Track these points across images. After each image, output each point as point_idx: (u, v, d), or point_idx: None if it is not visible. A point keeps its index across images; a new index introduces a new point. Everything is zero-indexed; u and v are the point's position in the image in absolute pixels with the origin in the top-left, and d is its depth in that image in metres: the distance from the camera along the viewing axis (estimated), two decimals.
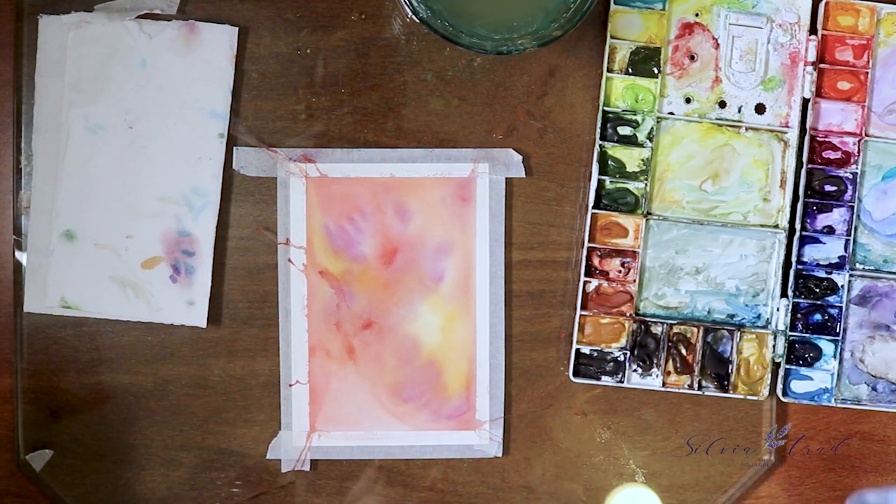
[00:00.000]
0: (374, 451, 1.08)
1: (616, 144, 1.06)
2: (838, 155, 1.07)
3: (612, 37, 1.06)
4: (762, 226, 1.08)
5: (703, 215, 1.08)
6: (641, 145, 1.06)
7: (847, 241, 1.07)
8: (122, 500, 1.08)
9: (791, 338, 1.08)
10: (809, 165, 1.07)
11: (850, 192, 1.07)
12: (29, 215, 1.06)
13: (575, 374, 1.07)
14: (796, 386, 1.08)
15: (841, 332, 1.08)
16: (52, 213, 1.05)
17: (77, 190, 1.05)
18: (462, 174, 1.07)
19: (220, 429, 1.08)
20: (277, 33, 1.07)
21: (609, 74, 1.06)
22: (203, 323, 1.07)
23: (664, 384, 1.08)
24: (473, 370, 1.08)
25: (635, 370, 1.08)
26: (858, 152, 1.07)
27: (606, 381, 1.08)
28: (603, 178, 1.06)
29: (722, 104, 1.07)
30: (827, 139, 1.07)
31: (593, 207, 1.06)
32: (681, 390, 1.08)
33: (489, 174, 1.07)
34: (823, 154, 1.07)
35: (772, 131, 1.07)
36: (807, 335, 1.08)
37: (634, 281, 1.07)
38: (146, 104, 1.05)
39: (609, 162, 1.07)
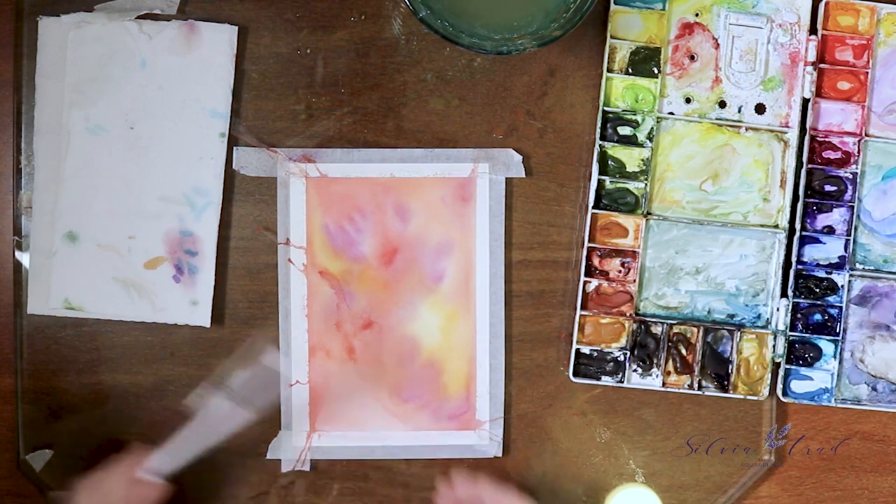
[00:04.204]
0: (374, 451, 1.08)
1: (616, 144, 1.06)
2: (838, 155, 1.07)
3: (612, 37, 1.06)
4: (762, 226, 1.08)
5: (703, 215, 1.08)
6: (641, 145, 1.06)
7: (847, 241, 1.07)
8: None
9: (791, 338, 1.08)
10: (809, 165, 1.07)
11: (850, 192, 1.07)
12: (30, 216, 1.06)
13: (575, 374, 1.08)
14: (796, 386, 1.08)
15: (841, 332, 1.08)
16: (54, 215, 1.05)
17: (79, 191, 1.05)
18: (462, 174, 1.07)
19: None
20: (277, 33, 1.07)
21: (609, 74, 1.06)
22: (207, 322, 1.07)
23: (664, 384, 1.08)
24: (473, 370, 1.08)
25: (635, 370, 1.08)
26: (858, 152, 1.07)
27: (606, 381, 1.08)
28: (603, 178, 1.06)
29: (722, 104, 1.07)
30: (827, 139, 1.07)
31: (593, 207, 1.06)
32: (681, 390, 1.08)
33: (489, 174, 1.07)
34: (823, 154, 1.07)
35: (772, 131, 1.07)
36: (807, 335, 1.08)
37: (634, 281, 1.07)
38: (147, 104, 1.05)
39: (609, 162, 1.07)
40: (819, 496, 1.11)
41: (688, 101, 1.07)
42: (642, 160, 1.07)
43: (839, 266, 1.07)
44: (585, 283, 1.07)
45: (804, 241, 1.07)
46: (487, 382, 1.08)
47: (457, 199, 1.07)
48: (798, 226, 1.07)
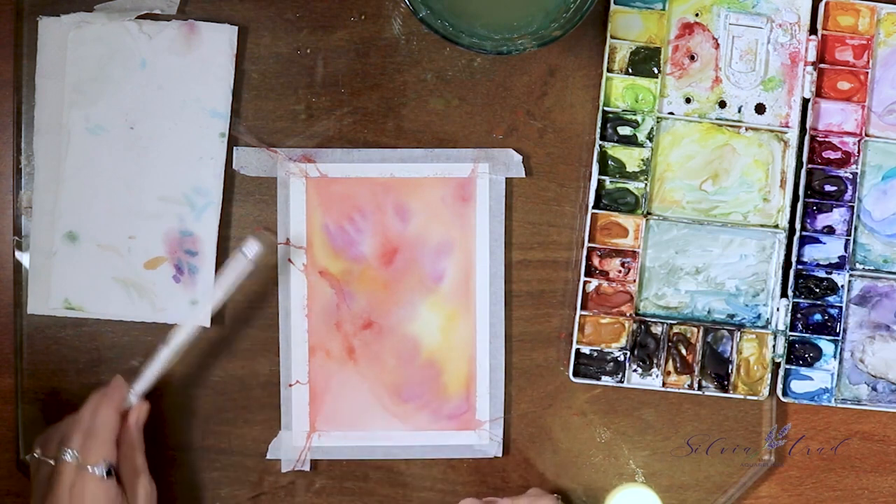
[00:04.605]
0: (374, 451, 1.08)
1: (616, 144, 1.06)
2: (838, 155, 1.07)
3: (612, 37, 1.06)
4: (762, 226, 1.08)
5: (703, 215, 1.08)
6: (641, 145, 1.06)
7: (847, 241, 1.07)
8: None
9: (791, 338, 1.07)
10: (809, 165, 1.07)
11: (850, 192, 1.07)
12: (30, 216, 1.06)
13: (575, 374, 1.07)
14: (796, 386, 1.08)
15: (841, 332, 1.08)
16: (54, 215, 1.05)
17: (79, 191, 1.05)
18: (462, 174, 1.07)
19: (220, 429, 1.08)
20: (277, 33, 1.07)
21: (609, 74, 1.06)
22: (207, 322, 1.07)
23: (664, 384, 1.08)
24: (473, 370, 1.08)
25: (635, 370, 1.08)
26: (858, 152, 1.07)
27: (606, 381, 1.08)
28: (603, 178, 1.06)
29: (722, 104, 1.07)
30: (827, 139, 1.07)
31: (593, 207, 1.06)
32: (681, 390, 1.08)
33: (489, 174, 1.07)
34: (823, 154, 1.07)
35: (772, 131, 1.07)
36: (807, 335, 1.08)
37: (634, 281, 1.07)
38: (147, 104, 1.05)
39: (609, 162, 1.07)
40: (819, 496, 1.11)
41: (688, 101, 1.07)
42: (642, 160, 1.07)
43: (839, 266, 1.07)
44: (585, 283, 1.07)
45: (804, 241, 1.07)
46: (487, 382, 1.08)
47: (457, 199, 1.07)
48: (798, 226, 1.07)
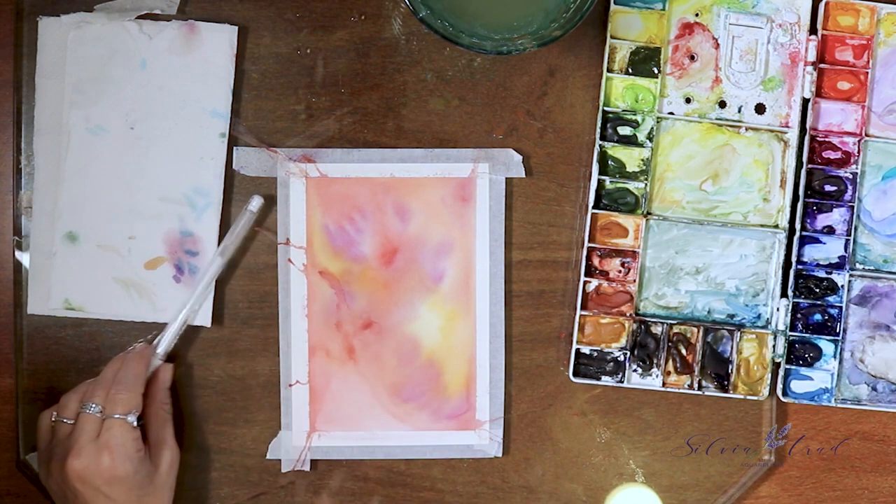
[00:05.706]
0: (374, 451, 1.08)
1: (616, 144, 1.06)
2: (838, 155, 1.07)
3: (612, 37, 1.06)
4: (762, 226, 1.08)
5: (703, 215, 1.08)
6: (641, 145, 1.06)
7: (847, 241, 1.07)
8: None
9: (791, 338, 1.07)
10: (809, 165, 1.07)
11: (850, 192, 1.07)
12: (30, 216, 1.06)
13: (575, 374, 1.07)
14: (796, 386, 1.08)
15: (841, 332, 1.08)
16: (54, 215, 1.05)
17: (79, 191, 1.05)
18: (462, 174, 1.07)
19: (220, 429, 1.08)
20: (277, 33, 1.07)
21: (609, 74, 1.06)
22: (208, 322, 1.07)
23: (664, 384, 1.08)
24: (473, 370, 1.08)
25: (635, 370, 1.08)
26: (858, 152, 1.07)
27: (606, 381, 1.08)
28: (603, 178, 1.06)
29: (722, 104, 1.07)
30: (827, 139, 1.07)
31: (593, 207, 1.06)
32: (681, 390, 1.08)
33: (489, 174, 1.07)
34: (823, 154, 1.07)
35: (772, 131, 1.07)
36: (807, 335, 1.08)
37: (634, 281, 1.07)
38: (147, 104, 1.05)
39: (609, 162, 1.07)
40: (819, 496, 1.11)
41: (688, 101, 1.07)
42: (642, 160, 1.07)
43: (839, 266, 1.07)
44: (585, 283, 1.07)
45: (804, 241, 1.07)
46: (487, 382, 1.08)
47: (457, 199, 1.07)
48: (798, 226, 1.07)
